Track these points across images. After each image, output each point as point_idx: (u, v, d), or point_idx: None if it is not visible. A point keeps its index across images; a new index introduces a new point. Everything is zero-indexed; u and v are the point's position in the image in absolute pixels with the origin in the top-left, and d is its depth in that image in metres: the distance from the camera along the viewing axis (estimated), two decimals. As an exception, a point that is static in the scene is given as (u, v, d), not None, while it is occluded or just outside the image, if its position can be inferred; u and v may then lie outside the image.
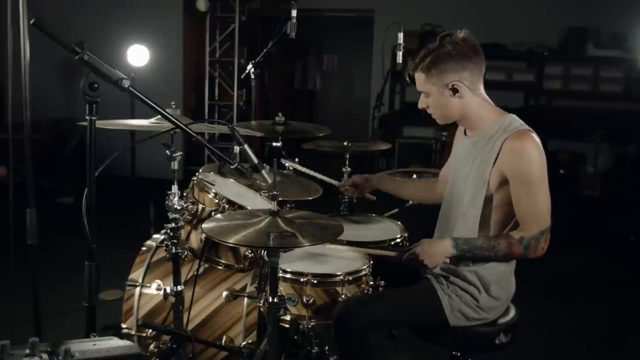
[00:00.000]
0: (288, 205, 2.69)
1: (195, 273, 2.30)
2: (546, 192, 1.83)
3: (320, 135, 2.88)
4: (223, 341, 2.30)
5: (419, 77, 1.94)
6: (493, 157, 1.87)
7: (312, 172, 2.68)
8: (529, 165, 1.81)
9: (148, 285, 2.40)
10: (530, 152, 1.81)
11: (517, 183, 1.83)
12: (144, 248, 2.53)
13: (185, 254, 2.15)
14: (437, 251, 1.89)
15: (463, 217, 1.96)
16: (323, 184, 2.71)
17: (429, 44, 1.92)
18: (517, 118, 1.93)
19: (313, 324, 1.99)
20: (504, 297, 1.99)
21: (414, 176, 3.14)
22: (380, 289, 2.07)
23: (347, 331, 1.85)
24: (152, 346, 2.29)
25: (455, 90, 1.89)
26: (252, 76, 3.04)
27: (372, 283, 2.07)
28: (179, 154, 2.03)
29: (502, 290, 1.97)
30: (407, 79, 2.01)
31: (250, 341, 2.27)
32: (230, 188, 2.40)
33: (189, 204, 2.19)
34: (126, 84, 1.58)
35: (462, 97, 1.90)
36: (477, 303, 1.93)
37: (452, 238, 1.89)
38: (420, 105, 2.01)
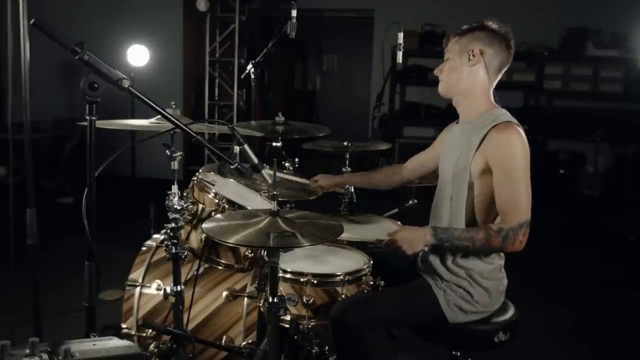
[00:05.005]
0: (288, 205, 2.69)
1: (195, 273, 2.30)
2: (528, 185, 1.84)
3: (320, 135, 2.88)
4: (223, 341, 2.30)
5: (453, 39, 2.02)
6: (477, 143, 1.90)
7: (284, 175, 2.65)
8: (512, 156, 1.83)
9: (148, 285, 2.40)
10: (515, 144, 1.84)
11: (499, 172, 1.85)
12: (144, 248, 2.53)
13: (185, 254, 2.15)
14: (416, 238, 1.89)
15: (450, 201, 1.99)
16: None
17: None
18: (508, 113, 1.96)
19: (313, 324, 1.99)
20: (496, 289, 2.00)
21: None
22: (380, 289, 2.08)
23: (345, 330, 1.85)
24: (152, 346, 2.29)
25: (472, 56, 1.95)
26: (252, 76, 3.05)
27: (372, 283, 2.08)
28: (179, 154, 2.04)
29: (492, 282, 1.98)
30: (444, 45, 2.07)
31: (250, 341, 2.27)
32: (230, 188, 2.40)
33: (189, 204, 2.19)
34: (126, 84, 1.58)
35: (475, 66, 1.95)
36: (471, 297, 1.94)
37: (432, 227, 1.90)
38: (436, 71, 2.06)
